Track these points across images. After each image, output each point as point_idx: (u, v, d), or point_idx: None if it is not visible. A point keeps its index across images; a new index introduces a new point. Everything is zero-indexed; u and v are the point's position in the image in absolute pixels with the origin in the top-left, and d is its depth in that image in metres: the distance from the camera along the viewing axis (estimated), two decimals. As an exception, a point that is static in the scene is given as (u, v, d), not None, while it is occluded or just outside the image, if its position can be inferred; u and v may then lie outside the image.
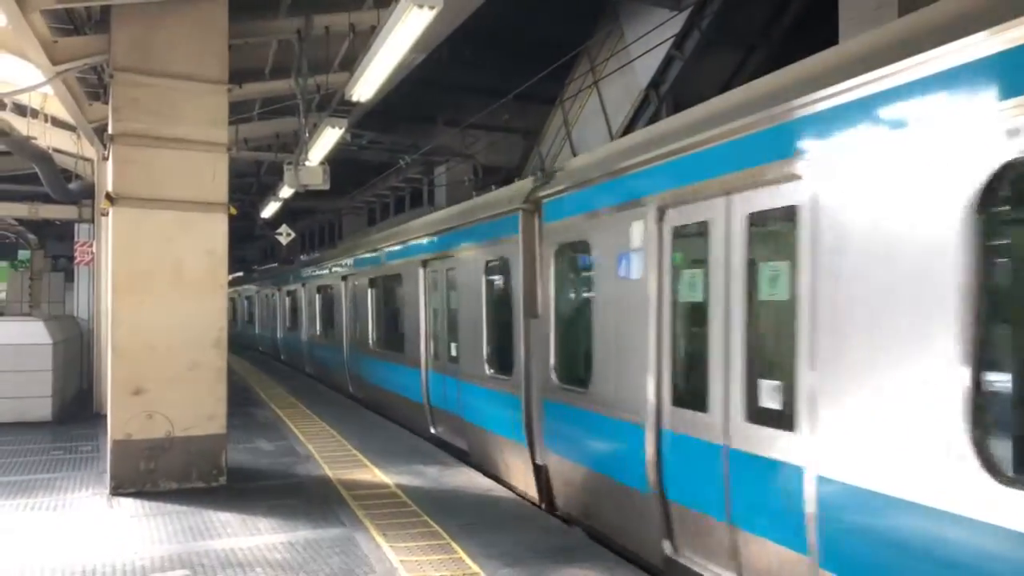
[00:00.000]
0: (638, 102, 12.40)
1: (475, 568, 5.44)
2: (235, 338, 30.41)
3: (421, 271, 10.90)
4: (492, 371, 8.53)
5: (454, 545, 5.93)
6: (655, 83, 11.99)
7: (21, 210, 18.92)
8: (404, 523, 6.50)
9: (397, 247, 12.26)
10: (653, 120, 11.37)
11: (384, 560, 5.60)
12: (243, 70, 9.75)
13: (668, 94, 11.85)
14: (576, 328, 7.02)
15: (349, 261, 15.63)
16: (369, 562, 5.57)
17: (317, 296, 18.81)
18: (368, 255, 14.07)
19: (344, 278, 15.87)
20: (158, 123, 7.70)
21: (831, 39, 5.36)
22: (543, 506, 7.39)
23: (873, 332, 3.71)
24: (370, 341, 13.88)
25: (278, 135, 14.45)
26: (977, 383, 3.25)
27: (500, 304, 8.48)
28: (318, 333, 18.83)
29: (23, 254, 26.86)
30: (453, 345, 9.73)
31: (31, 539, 6.13)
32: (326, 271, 17.73)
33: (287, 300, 23.22)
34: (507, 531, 6.28)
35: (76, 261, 16.41)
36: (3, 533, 6.28)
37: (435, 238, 10.43)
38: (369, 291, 13.99)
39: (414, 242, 11.35)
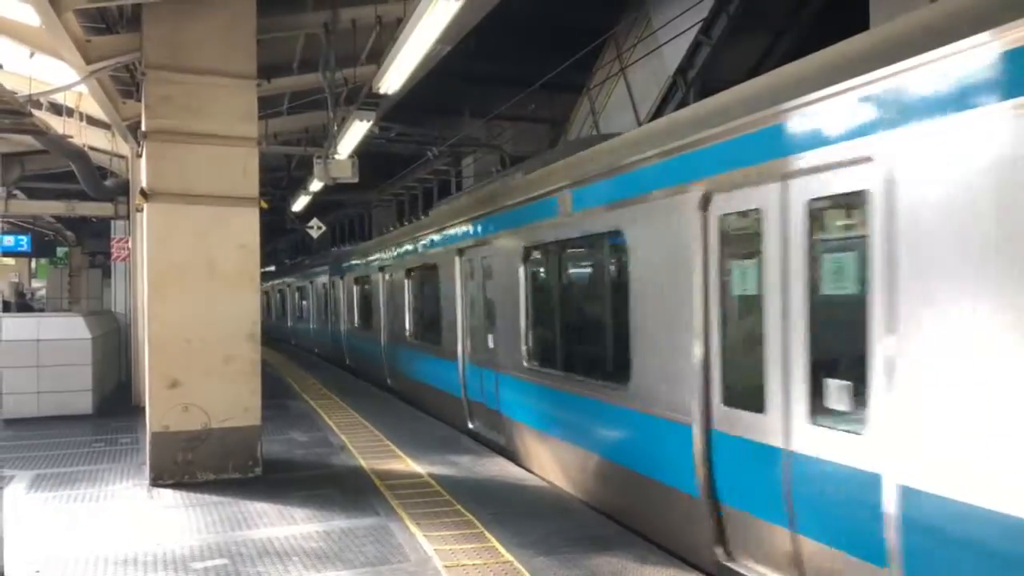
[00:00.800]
0: (665, 88, 12.29)
1: (509, 557, 5.46)
2: (268, 331, 30.79)
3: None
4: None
5: (487, 534, 5.96)
6: (682, 69, 11.87)
7: (59, 208, 19.24)
8: (438, 512, 6.55)
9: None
10: (681, 107, 11.27)
11: (418, 549, 5.65)
12: (271, 65, 9.82)
13: (696, 80, 11.73)
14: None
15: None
16: (403, 551, 5.62)
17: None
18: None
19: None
20: (190, 119, 7.79)
21: (861, 24, 5.26)
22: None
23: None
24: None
25: (307, 129, 14.54)
26: None
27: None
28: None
29: (61, 251, 27.37)
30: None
31: (74, 529, 6.28)
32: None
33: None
34: (540, 520, 6.30)
35: (113, 257, 16.69)
36: (47, 523, 6.44)
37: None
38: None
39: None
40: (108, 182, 15.96)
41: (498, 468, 8.22)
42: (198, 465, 7.79)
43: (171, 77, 7.77)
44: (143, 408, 8.24)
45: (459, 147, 16.83)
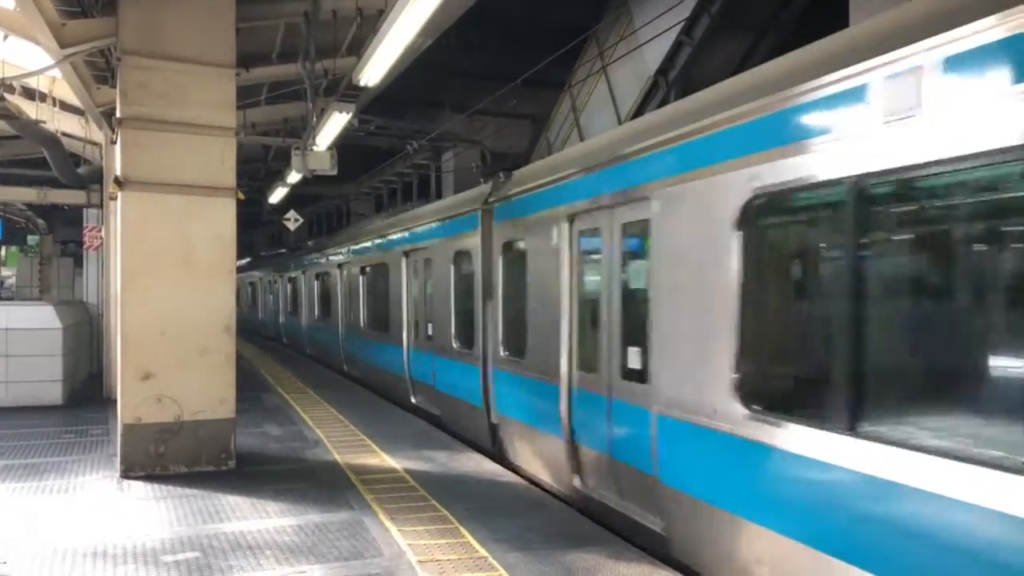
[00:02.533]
0: (647, 88, 12.31)
1: (483, 552, 5.45)
2: (241, 324, 30.55)
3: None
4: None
5: (462, 530, 5.95)
6: (663, 69, 11.89)
7: (30, 195, 18.98)
8: (412, 507, 6.53)
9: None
10: (662, 106, 11.30)
11: (392, 544, 5.62)
12: (250, 54, 9.72)
13: (677, 80, 11.76)
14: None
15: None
16: (377, 546, 5.59)
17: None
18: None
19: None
20: (166, 107, 7.69)
21: (842, 24, 5.31)
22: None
23: None
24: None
25: (286, 120, 14.41)
26: None
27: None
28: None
29: (32, 239, 26.96)
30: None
31: (43, 521, 6.18)
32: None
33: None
34: (515, 516, 6.30)
35: (85, 246, 16.46)
36: (15, 515, 6.33)
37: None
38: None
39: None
40: (81, 169, 15.73)
41: (473, 464, 8.20)
42: (170, 457, 7.70)
43: (147, 63, 7.65)
44: (115, 400, 8.13)
45: (439, 142, 16.77)
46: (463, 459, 8.40)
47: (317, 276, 20.18)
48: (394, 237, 13.24)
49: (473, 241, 9.49)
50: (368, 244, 15.10)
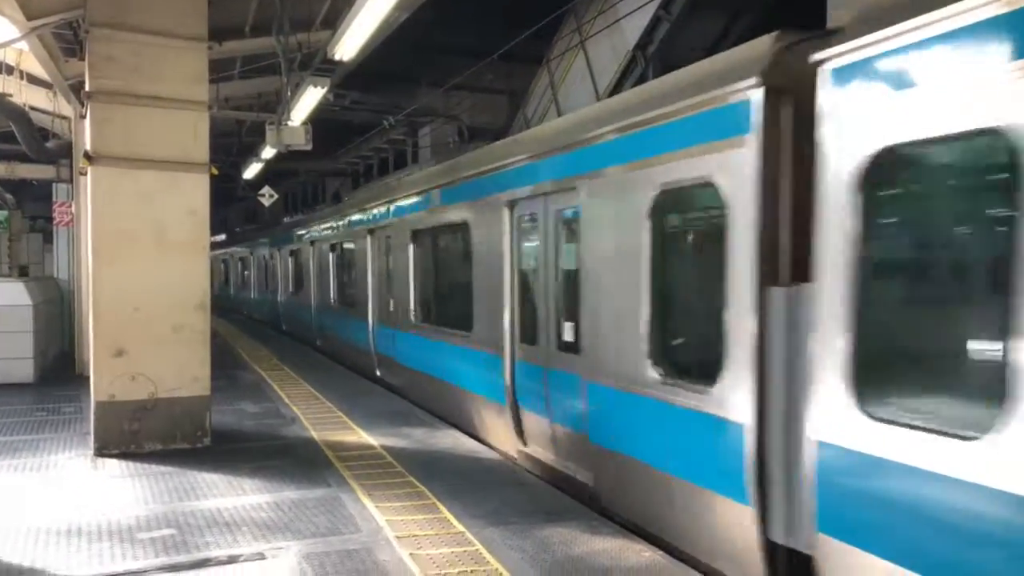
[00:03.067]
0: (625, 63, 12.27)
1: (460, 528, 5.49)
2: (215, 300, 30.28)
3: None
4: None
5: (439, 506, 5.98)
6: (642, 44, 11.85)
7: (-2, 170, 18.61)
8: (390, 483, 6.55)
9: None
10: (640, 82, 11.27)
11: (370, 520, 5.64)
12: (223, 27, 9.56)
13: (655, 56, 11.73)
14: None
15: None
16: (355, 522, 5.61)
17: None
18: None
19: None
20: (136, 80, 7.55)
21: (819, 3, 5.30)
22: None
23: None
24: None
25: (260, 94, 14.23)
26: None
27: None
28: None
29: (1, 215, 26.46)
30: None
31: (15, 499, 6.13)
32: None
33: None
34: (492, 492, 6.34)
35: (55, 222, 16.20)
36: (-13, 494, 6.27)
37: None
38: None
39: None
40: (50, 144, 15.44)
41: (451, 440, 8.24)
42: (145, 435, 7.65)
43: (116, 36, 7.50)
44: (87, 377, 8.05)
45: (416, 117, 16.65)
46: (440, 436, 8.43)
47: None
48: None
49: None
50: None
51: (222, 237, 37.03)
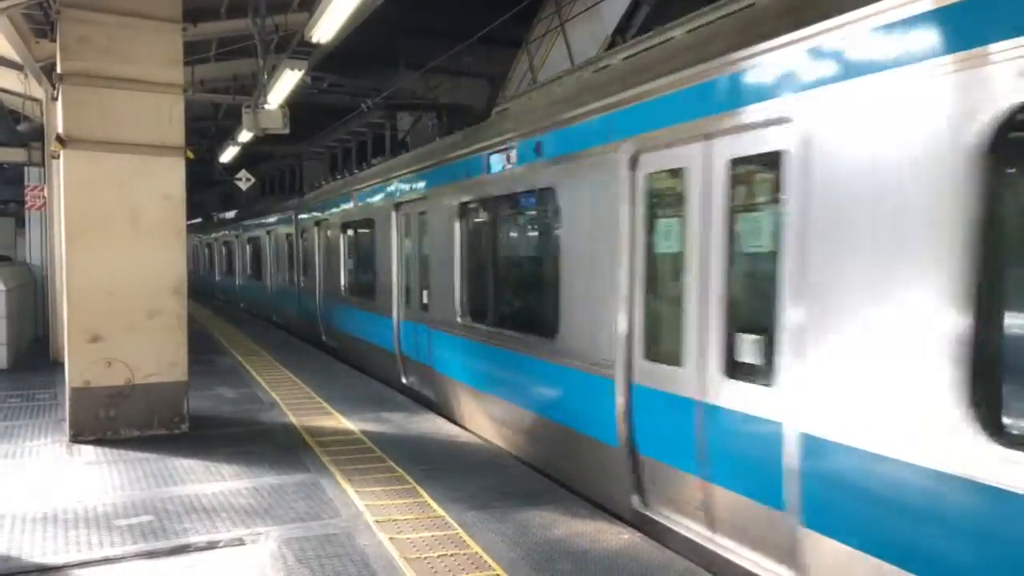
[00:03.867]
0: (604, 48, 12.24)
1: (440, 512, 5.51)
2: (196, 285, 30.00)
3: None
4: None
5: (420, 490, 6.00)
6: (621, 28, 11.83)
7: (-33, 153, 18.22)
8: (370, 468, 6.55)
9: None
10: (619, 66, 11.25)
11: (350, 505, 5.65)
12: (198, 8, 9.42)
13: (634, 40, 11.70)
14: None
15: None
16: (335, 506, 5.61)
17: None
18: None
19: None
20: (109, 62, 7.42)
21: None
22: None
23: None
24: None
25: (236, 77, 14.03)
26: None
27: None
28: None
29: (-30, 198, 25.99)
30: None
31: (-10, 487, 6.07)
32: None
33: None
34: (472, 476, 6.37)
35: (27, 206, 15.93)
36: (-40, 482, 6.20)
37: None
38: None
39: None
40: (21, 126, 15.17)
41: (431, 425, 8.25)
42: (121, 421, 7.59)
43: (89, 17, 7.37)
44: (62, 363, 7.96)
45: (394, 101, 16.51)
46: (420, 420, 8.44)
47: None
48: None
49: None
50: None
51: (198, 220, 36.59)
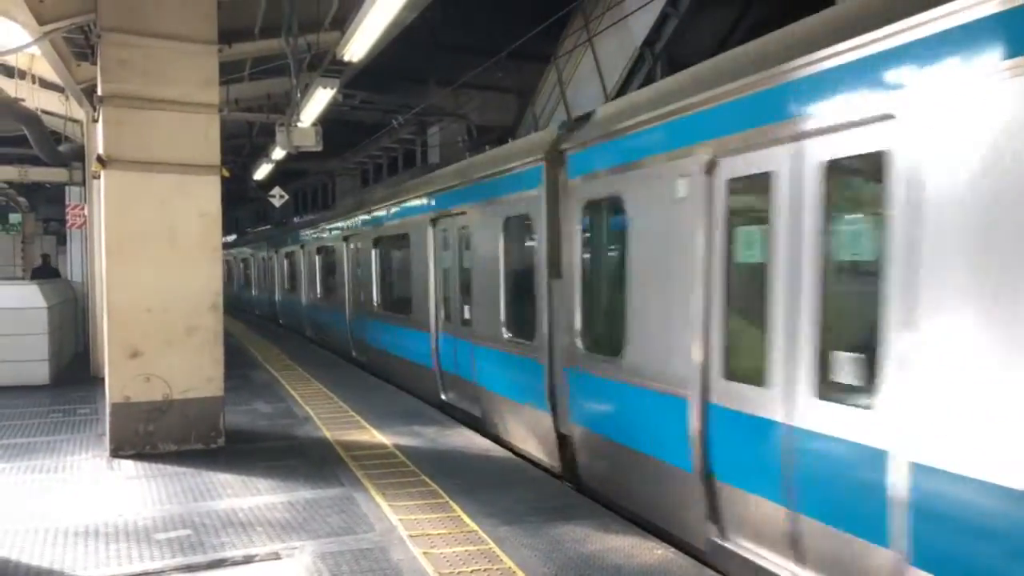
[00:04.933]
0: (632, 61, 12.25)
1: (473, 526, 5.52)
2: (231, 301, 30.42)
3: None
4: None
5: (453, 504, 6.01)
6: (650, 41, 11.83)
7: (11, 173, 18.70)
8: (403, 483, 6.58)
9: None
10: (648, 81, 11.25)
11: (383, 519, 5.67)
12: (232, 29, 9.60)
13: (663, 53, 11.70)
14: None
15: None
16: (368, 521, 5.64)
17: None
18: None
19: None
20: (148, 84, 7.59)
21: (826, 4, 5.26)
22: None
23: None
24: None
25: (269, 95, 14.28)
26: None
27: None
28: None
29: (14, 217, 26.66)
30: None
31: (33, 500, 6.20)
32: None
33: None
34: (505, 491, 6.36)
35: (68, 224, 16.31)
36: (5, 494, 6.34)
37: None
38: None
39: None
40: (62, 147, 15.53)
41: (464, 439, 8.26)
42: (159, 436, 7.71)
43: (128, 40, 7.54)
44: (102, 379, 8.12)
45: (424, 116, 16.65)
46: (453, 435, 8.46)
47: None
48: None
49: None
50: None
51: (233, 237, 37.15)
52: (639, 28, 11.83)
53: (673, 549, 5.10)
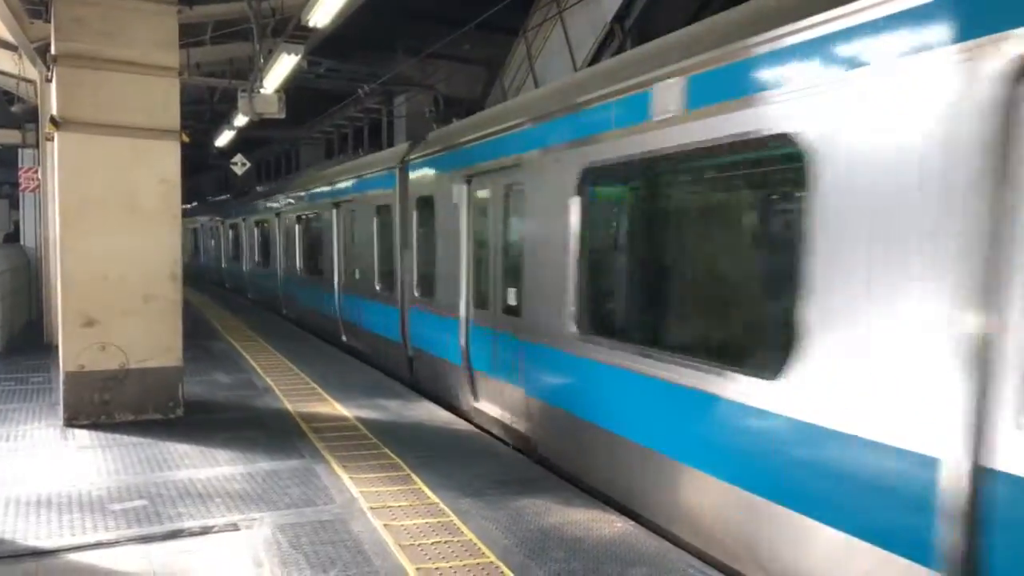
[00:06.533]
0: (602, 36, 12.19)
1: (435, 499, 5.52)
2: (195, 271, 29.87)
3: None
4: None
5: (414, 476, 6.01)
6: (620, 16, 11.77)
7: (-39, 134, 18.10)
8: (364, 455, 6.56)
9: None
10: (617, 54, 11.20)
11: (344, 491, 5.65)
12: (194, -10, 9.34)
13: (633, 28, 11.66)
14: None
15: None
16: (329, 493, 5.62)
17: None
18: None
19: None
20: (104, 44, 7.36)
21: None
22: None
23: None
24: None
25: (232, 61, 13.97)
26: None
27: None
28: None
29: (-36, 180, 25.85)
30: None
31: (-17, 470, 6.06)
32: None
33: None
34: (468, 463, 6.38)
35: (21, 188, 15.85)
36: (-46, 464, 6.19)
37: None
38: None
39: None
40: (15, 108, 15.07)
41: (425, 412, 8.26)
42: (116, 405, 7.58)
43: (84, -2, 7.30)
44: (56, 347, 7.94)
45: (391, 85, 16.45)
46: (415, 407, 8.44)
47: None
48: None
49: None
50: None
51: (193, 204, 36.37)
52: (610, 3, 11.76)
53: (632, 522, 5.16)
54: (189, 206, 35.21)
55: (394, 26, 15.69)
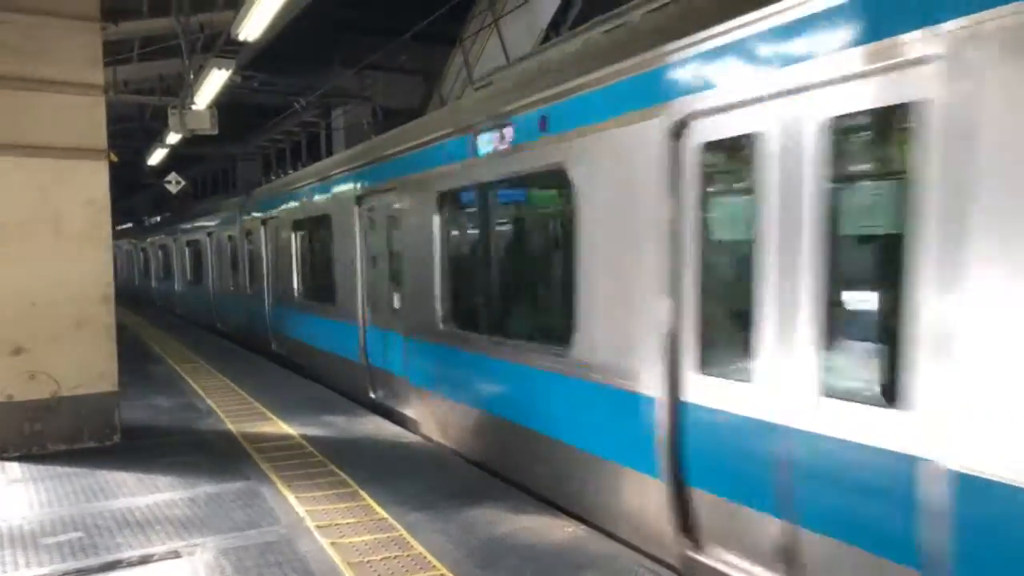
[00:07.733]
0: (538, 42, 12.26)
1: (384, 514, 5.44)
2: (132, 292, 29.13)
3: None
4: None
5: (362, 493, 5.91)
6: (555, 23, 11.87)
7: None
8: (311, 473, 6.43)
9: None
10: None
11: (290, 512, 5.53)
12: (118, 7, 9.11)
13: (569, 36, 11.74)
14: None
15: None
16: (275, 514, 5.49)
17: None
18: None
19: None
20: (24, 63, 7.11)
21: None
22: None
23: None
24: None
25: (161, 77, 13.67)
26: None
27: None
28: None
29: None
30: None
31: (-94, 511, 5.77)
32: None
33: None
34: (415, 477, 6.31)
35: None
36: None
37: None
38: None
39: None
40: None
41: (373, 426, 8.15)
42: (48, 435, 7.30)
43: (1, 16, 7.04)
44: (-17, 378, 7.61)
45: (329, 98, 16.29)
46: (362, 422, 8.33)
47: None
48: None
49: None
50: None
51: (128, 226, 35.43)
52: (545, 10, 11.86)
53: (584, 526, 5.16)
54: (124, 227, 34.39)
55: (329, 39, 15.56)
